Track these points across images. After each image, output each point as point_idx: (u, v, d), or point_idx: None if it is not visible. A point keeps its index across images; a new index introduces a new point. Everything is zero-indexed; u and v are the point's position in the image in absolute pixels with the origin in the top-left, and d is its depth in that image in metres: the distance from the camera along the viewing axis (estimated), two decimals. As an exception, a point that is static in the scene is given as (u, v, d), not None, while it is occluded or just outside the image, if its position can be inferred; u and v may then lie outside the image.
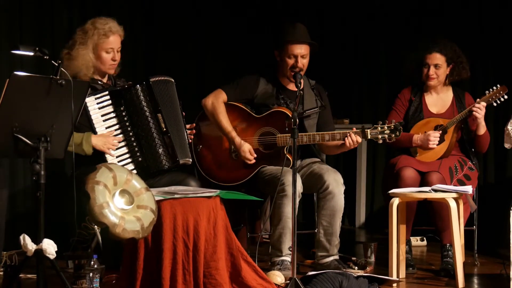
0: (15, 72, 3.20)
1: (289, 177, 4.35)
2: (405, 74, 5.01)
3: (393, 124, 4.49)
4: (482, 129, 4.74)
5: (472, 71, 5.10)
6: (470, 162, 4.81)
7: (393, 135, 4.48)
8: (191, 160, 4.37)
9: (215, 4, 6.58)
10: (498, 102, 4.74)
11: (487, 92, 4.74)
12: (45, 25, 5.44)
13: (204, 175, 4.75)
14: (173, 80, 4.33)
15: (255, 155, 4.64)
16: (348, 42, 6.86)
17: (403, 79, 5.08)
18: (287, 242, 4.46)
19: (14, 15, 5.25)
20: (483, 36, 6.21)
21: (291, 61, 4.65)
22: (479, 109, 4.66)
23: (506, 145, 4.78)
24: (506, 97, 4.73)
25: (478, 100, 4.71)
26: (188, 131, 4.44)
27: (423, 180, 4.59)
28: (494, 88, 4.72)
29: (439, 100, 4.94)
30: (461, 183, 4.63)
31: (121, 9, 5.89)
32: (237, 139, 4.65)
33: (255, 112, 4.74)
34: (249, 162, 4.64)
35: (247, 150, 4.63)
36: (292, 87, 4.77)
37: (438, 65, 4.82)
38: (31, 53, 3.46)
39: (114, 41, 4.27)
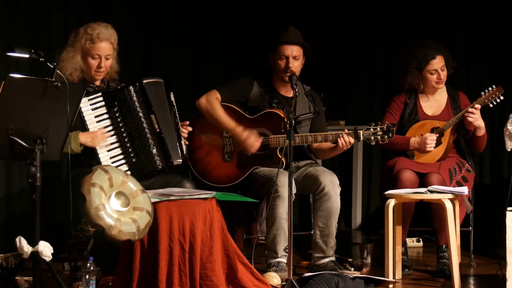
0: (11, 74, 3.20)
1: (282, 178, 4.34)
2: (407, 87, 4.92)
3: (385, 125, 4.49)
4: (482, 130, 4.73)
5: (469, 72, 5.08)
6: (467, 164, 4.81)
7: (386, 137, 4.48)
8: (181, 160, 4.32)
9: (211, 6, 6.58)
10: (494, 103, 4.73)
11: (482, 93, 4.73)
12: (41, 27, 5.42)
13: (197, 176, 4.74)
14: (162, 80, 4.31)
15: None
16: (345, 44, 6.87)
17: (402, 88, 5.00)
18: (282, 243, 4.46)
19: (9, 17, 5.24)
20: (481, 37, 6.21)
21: (282, 63, 4.65)
22: (472, 113, 4.66)
23: (508, 147, 4.59)
24: (502, 98, 4.72)
25: (473, 103, 4.71)
26: (184, 129, 4.39)
27: (423, 181, 4.57)
28: (490, 89, 4.71)
29: (434, 102, 4.93)
30: (459, 184, 4.63)
31: (117, 10, 5.88)
32: (241, 132, 4.58)
33: (248, 114, 4.74)
34: (251, 149, 4.59)
35: (254, 141, 4.58)
36: (285, 92, 4.77)
37: (443, 66, 4.81)
38: (27, 55, 3.45)
39: (102, 48, 4.22)
